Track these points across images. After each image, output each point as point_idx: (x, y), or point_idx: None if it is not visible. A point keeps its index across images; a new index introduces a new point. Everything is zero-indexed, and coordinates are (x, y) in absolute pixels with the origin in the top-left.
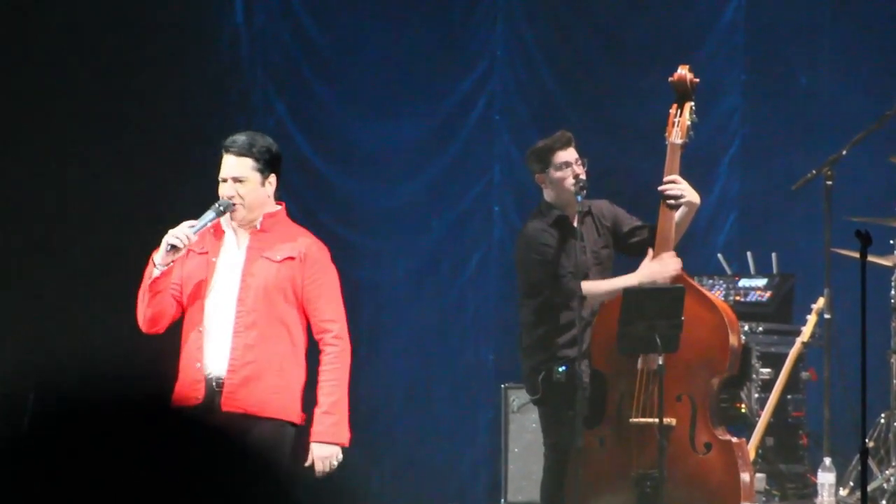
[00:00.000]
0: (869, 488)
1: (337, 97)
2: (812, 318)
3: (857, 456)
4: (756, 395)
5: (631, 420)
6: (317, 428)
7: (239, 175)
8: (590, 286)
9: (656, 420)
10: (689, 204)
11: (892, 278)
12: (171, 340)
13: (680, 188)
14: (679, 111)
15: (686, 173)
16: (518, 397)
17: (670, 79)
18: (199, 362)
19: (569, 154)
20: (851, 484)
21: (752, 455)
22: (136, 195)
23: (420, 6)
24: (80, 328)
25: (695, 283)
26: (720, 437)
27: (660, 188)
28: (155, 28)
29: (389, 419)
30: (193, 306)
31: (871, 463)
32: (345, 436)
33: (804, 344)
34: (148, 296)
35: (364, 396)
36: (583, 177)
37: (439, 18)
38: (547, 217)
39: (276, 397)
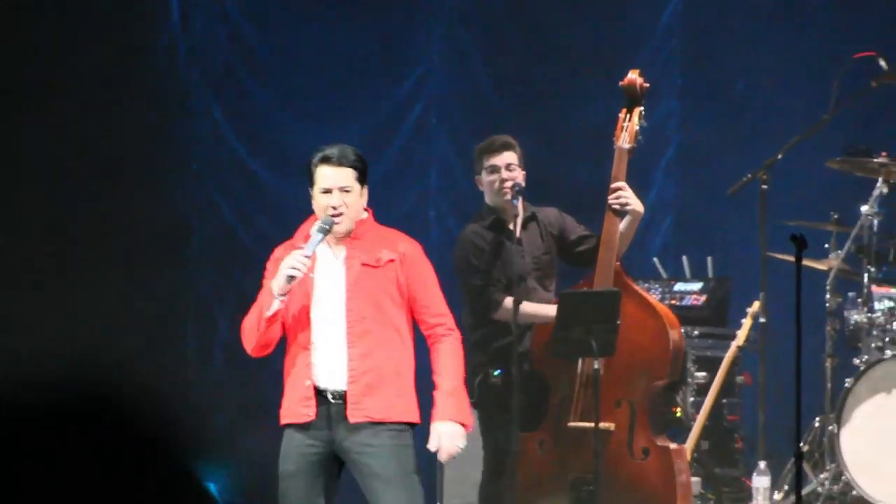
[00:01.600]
0: (803, 492)
1: (274, 101)
2: (747, 322)
3: (792, 459)
4: (691, 399)
5: (569, 424)
6: (441, 409)
7: (346, 185)
8: (527, 307)
9: (594, 424)
10: (633, 212)
11: (827, 282)
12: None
13: (626, 196)
14: (628, 116)
15: (627, 177)
16: None
17: (621, 83)
18: (309, 379)
19: (500, 159)
20: (786, 487)
21: (687, 458)
22: (72, 199)
23: (357, 11)
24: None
25: (638, 287)
26: (658, 443)
27: (608, 197)
28: (92, 33)
29: None
30: (298, 324)
31: (806, 466)
32: (469, 419)
33: (739, 348)
34: (265, 325)
35: None
36: (509, 183)
37: (376, 23)
38: (484, 220)
39: (399, 401)
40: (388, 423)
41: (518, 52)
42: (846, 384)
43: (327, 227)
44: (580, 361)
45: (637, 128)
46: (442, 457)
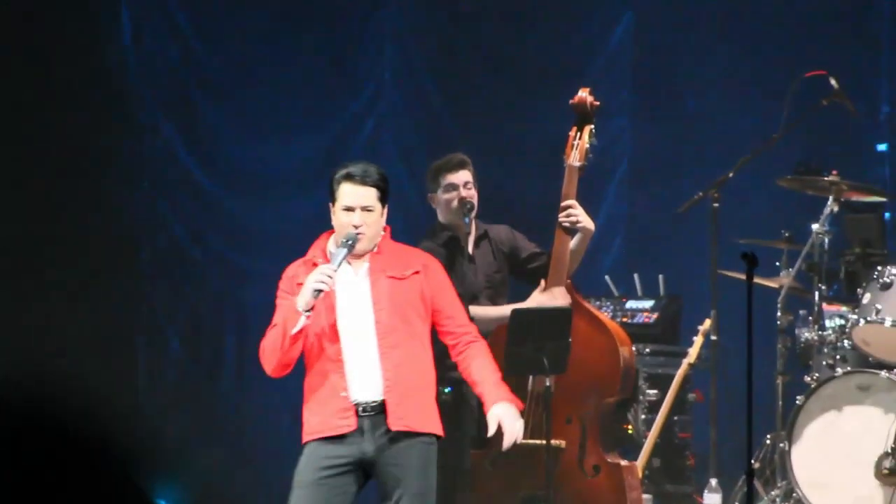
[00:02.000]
0: None
1: (226, 118)
2: (698, 340)
3: (743, 477)
4: (643, 417)
5: (520, 441)
6: (494, 394)
7: (368, 205)
8: (478, 311)
9: (545, 442)
10: (584, 230)
11: (778, 300)
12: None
13: (577, 214)
14: (579, 133)
15: (577, 195)
16: None
17: (571, 101)
18: (345, 391)
19: (457, 177)
20: None
21: (639, 476)
22: (21, 215)
23: (309, 28)
24: None
25: (588, 305)
26: (609, 461)
27: (559, 216)
28: (42, 48)
29: (278, 440)
30: (325, 339)
31: (757, 484)
32: (519, 405)
33: (691, 365)
34: (289, 343)
35: (252, 418)
36: (469, 200)
37: (328, 40)
38: (438, 237)
39: (431, 412)
40: (423, 433)
41: (469, 68)
42: (797, 402)
43: (351, 242)
44: (531, 378)
45: (587, 146)
46: (508, 440)
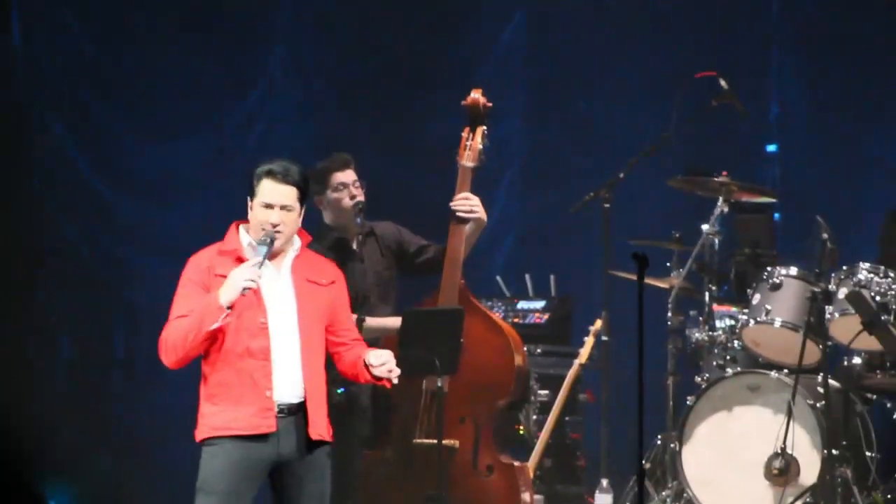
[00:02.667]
0: None
1: (117, 119)
2: (589, 340)
3: (634, 477)
4: (534, 417)
5: (414, 441)
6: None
7: (288, 203)
8: (372, 322)
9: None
10: (478, 221)
11: (669, 300)
12: None
13: (471, 204)
14: (471, 135)
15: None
16: None
17: (463, 102)
18: (269, 390)
19: (346, 175)
20: None
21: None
22: None
23: (199, 27)
24: None
25: (482, 306)
26: (502, 461)
27: (452, 204)
28: None
29: (172, 443)
30: (251, 336)
31: (648, 484)
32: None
33: (582, 366)
34: (202, 337)
35: (144, 422)
36: (360, 198)
37: (219, 40)
38: (325, 240)
39: (328, 421)
40: (328, 443)
41: (361, 68)
42: (688, 402)
43: (270, 240)
44: (425, 379)
45: (480, 147)
46: (393, 370)
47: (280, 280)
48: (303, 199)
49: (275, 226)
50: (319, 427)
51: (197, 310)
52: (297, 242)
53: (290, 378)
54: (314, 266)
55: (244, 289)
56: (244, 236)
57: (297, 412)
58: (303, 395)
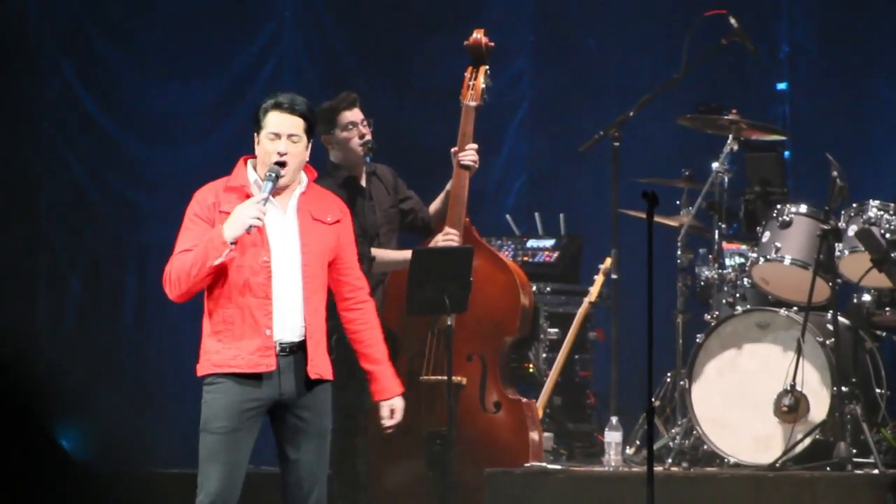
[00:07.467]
0: (655, 447)
1: (125, 59)
2: (599, 279)
3: (644, 415)
4: (544, 355)
5: (421, 378)
6: (384, 384)
7: (295, 133)
8: (380, 253)
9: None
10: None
11: (679, 239)
12: None
13: (475, 157)
14: (474, 74)
15: (475, 135)
16: None
17: (465, 42)
18: (269, 329)
19: (354, 114)
20: (638, 443)
21: (539, 414)
22: None
23: None
24: None
25: (487, 244)
26: (510, 397)
27: (460, 155)
28: None
29: (179, 382)
30: (253, 273)
31: (658, 421)
32: (402, 388)
33: (591, 304)
34: (206, 272)
35: (153, 359)
36: (369, 137)
37: None
38: (334, 178)
39: (328, 359)
40: (328, 381)
41: (369, 9)
42: (697, 340)
43: (274, 175)
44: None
45: (483, 86)
46: (392, 424)
47: (285, 218)
48: (310, 131)
49: (282, 155)
50: (319, 366)
51: (201, 244)
52: (304, 178)
53: (291, 317)
54: (321, 203)
55: (249, 227)
56: (251, 173)
57: (298, 351)
58: (304, 335)
